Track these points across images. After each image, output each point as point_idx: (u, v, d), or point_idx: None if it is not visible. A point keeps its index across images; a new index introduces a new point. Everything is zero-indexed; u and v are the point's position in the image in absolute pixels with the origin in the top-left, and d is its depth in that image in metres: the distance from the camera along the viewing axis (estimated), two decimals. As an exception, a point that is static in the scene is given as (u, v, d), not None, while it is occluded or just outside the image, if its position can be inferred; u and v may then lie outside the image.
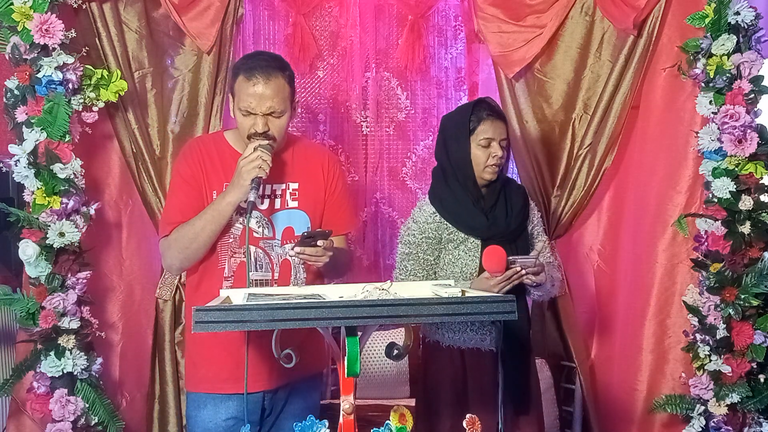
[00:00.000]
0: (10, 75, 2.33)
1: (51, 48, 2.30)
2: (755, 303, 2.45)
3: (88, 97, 2.42)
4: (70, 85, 2.34)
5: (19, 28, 2.28)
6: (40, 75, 2.29)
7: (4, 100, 2.34)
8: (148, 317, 2.67)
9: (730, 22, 2.43)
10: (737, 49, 2.45)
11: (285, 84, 2.03)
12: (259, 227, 2.09)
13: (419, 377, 2.36)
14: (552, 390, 3.02)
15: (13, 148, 2.30)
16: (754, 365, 2.48)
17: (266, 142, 2.00)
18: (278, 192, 2.13)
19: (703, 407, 2.53)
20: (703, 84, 2.51)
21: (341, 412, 1.48)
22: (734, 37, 2.44)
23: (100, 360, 2.39)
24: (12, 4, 2.27)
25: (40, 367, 2.30)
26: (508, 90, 2.92)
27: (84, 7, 2.49)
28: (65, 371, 2.30)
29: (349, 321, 1.37)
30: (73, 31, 2.35)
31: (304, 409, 2.13)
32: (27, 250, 2.27)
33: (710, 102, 2.48)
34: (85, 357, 2.33)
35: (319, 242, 1.94)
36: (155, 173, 2.62)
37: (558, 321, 3.03)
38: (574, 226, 2.97)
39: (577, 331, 3.03)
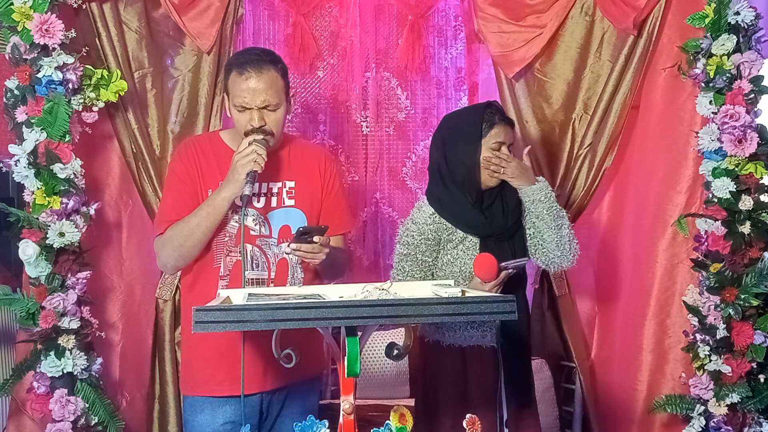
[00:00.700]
0: (10, 75, 2.33)
1: (51, 48, 2.30)
2: (755, 303, 2.45)
3: (88, 97, 2.42)
4: (70, 85, 2.34)
5: (19, 28, 2.28)
6: (40, 75, 2.29)
7: (4, 100, 2.34)
8: (148, 317, 2.67)
9: (730, 22, 2.43)
10: (737, 49, 2.45)
11: (278, 77, 2.02)
12: (255, 225, 2.08)
13: (419, 377, 2.36)
14: (552, 390, 3.02)
15: (13, 148, 2.30)
16: (754, 365, 2.48)
17: (261, 136, 1.98)
18: (275, 190, 2.12)
19: (703, 407, 2.53)
20: (703, 84, 2.51)
21: (341, 412, 1.48)
22: (734, 37, 2.44)
23: (100, 360, 2.39)
24: (12, 4, 2.27)
25: (40, 367, 2.30)
26: (508, 90, 2.92)
27: (84, 7, 2.49)
28: (65, 371, 2.30)
29: (349, 321, 1.37)
30: (73, 31, 2.35)
31: (303, 413, 2.09)
32: (27, 250, 2.27)
33: (710, 102, 2.49)
34: (85, 357, 2.33)
35: (315, 238, 1.93)
36: (155, 173, 2.62)
37: (558, 321, 3.03)
38: (574, 225, 2.96)
39: (577, 331, 3.03)
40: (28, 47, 2.30)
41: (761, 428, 2.52)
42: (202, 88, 2.67)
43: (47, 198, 2.29)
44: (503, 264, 2.04)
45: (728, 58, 2.45)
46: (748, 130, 2.45)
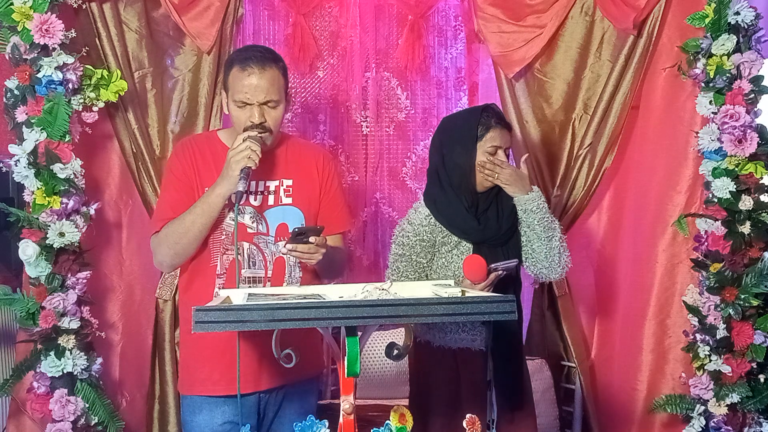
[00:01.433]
0: (10, 75, 2.33)
1: (51, 48, 2.30)
2: (755, 303, 2.46)
3: (88, 97, 2.42)
4: (70, 85, 2.34)
5: (19, 28, 2.28)
6: (40, 75, 2.29)
7: (4, 100, 2.34)
8: (148, 317, 2.67)
9: (730, 22, 2.43)
10: (737, 49, 2.45)
11: (279, 75, 2.03)
12: (252, 222, 2.06)
13: (411, 378, 2.36)
14: (552, 390, 3.02)
15: (13, 148, 2.30)
16: (754, 365, 2.48)
17: (255, 132, 1.97)
18: (272, 188, 2.11)
19: (703, 407, 2.53)
20: (703, 84, 2.52)
21: (341, 412, 1.48)
22: (734, 37, 2.44)
23: (100, 360, 2.39)
24: (12, 4, 2.27)
25: (40, 367, 2.30)
26: (508, 90, 2.92)
27: (84, 7, 2.49)
28: (65, 371, 2.30)
29: (349, 321, 1.37)
30: (73, 31, 2.35)
31: (301, 414, 2.09)
32: (27, 250, 2.27)
33: (710, 102, 2.49)
34: (85, 357, 2.33)
35: (311, 239, 1.92)
36: (155, 173, 2.62)
37: (558, 321, 3.03)
38: (574, 226, 2.97)
39: (577, 331, 3.03)
40: (28, 47, 2.30)
41: (761, 428, 2.52)
42: (202, 88, 2.67)
43: (47, 198, 2.29)
44: (492, 266, 2.04)
45: (728, 58, 2.45)
46: (748, 130, 2.45)
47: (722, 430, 2.50)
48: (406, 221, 2.24)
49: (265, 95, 1.99)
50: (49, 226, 2.28)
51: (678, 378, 2.62)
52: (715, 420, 2.51)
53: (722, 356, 2.49)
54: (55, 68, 2.30)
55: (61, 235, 2.29)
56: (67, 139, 2.33)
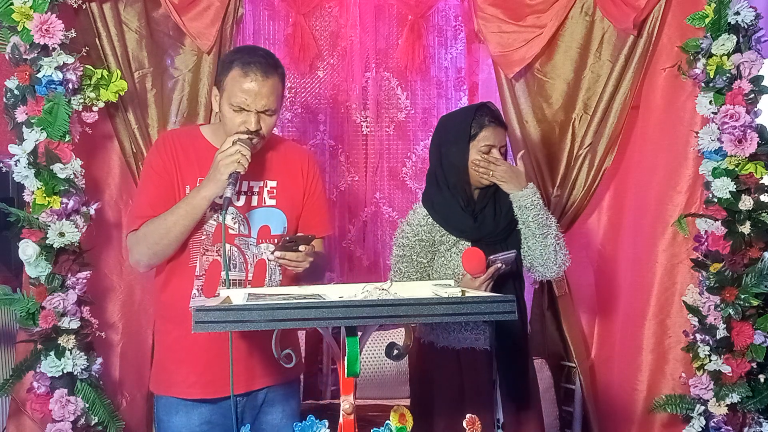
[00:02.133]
0: (10, 75, 2.33)
1: (51, 48, 2.30)
2: (755, 303, 2.46)
3: (88, 97, 2.42)
4: (70, 85, 2.34)
5: (19, 28, 2.29)
6: (40, 75, 2.29)
7: (4, 100, 2.34)
8: (148, 317, 2.67)
9: (730, 22, 2.43)
10: (737, 49, 2.45)
11: (279, 83, 1.99)
12: (234, 224, 2.00)
13: (414, 378, 2.35)
14: (552, 390, 3.02)
15: (13, 148, 2.30)
16: (754, 365, 2.48)
17: (246, 136, 1.92)
18: (255, 189, 2.05)
19: (703, 407, 2.53)
20: (703, 84, 2.52)
21: (341, 412, 1.48)
22: (734, 37, 2.44)
23: (100, 360, 2.39)
24: (12, 4, 2.27)
25: (40, 367, 2.30)
26: (508, 90, 2.92)
27: (84, 7, 2.49)
28: (65, 371, 2.30)
29: (349, 321, 1.37)
30: (73, 31, 2.35)
31: (282, 418, 2.08)
32: (27, 250, 2.27)
33: (710, 102, 2.49)
34: (85, 357, 2.34)
35: (301, 247, 1.89)
36: (155, 173, 2.61)
37: (558, 321, 3.03)
38: (574, 226, 2.97)
39: (577, 331, 3.03)
40: (28, 47, 2.30)
41: (761, 428, 2.52)
42: (202, 88, 2.67)
43: (47, 198, 2.29)
44: (491, 258, 2.03)
45: (728, 58, 2.45)
46: (748, 130, 2.45)
47: (722, 430, 2.50)
48: (405, 222, 2.26)
49: (265, 103, 1.94)
50: (49, 226, 2.28)
51: (678, 378, 2.62)
52: (715, 420, 2.51)
53: (722, 356, 2.49)
54: (55, 68, 2.30)
55: (61, 235, 2.29)
56: (67, 139, 2.33)
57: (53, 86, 2.30)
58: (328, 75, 3.26)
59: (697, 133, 2.52)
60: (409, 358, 2.78)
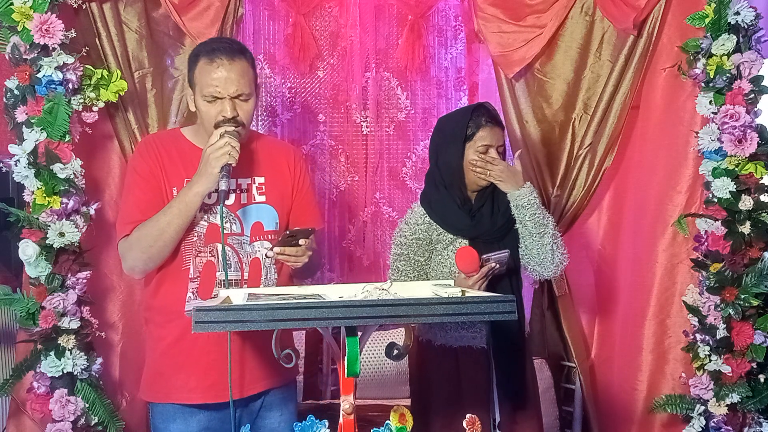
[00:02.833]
0: (10, 75, 2.33)
1: (51, 48, 2.30)
2: (755, 303, 2.45)
3: (88, 97, 2.42)
4: (70, 85, 2.34)
5: (19, 28, 2.28)
6: (40, 75, 2.29)
7: (4, 100, 2.34)
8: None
9: (730, 22, 2.43)
10: (737, 49, 2.45)
11: (249, 66, 1.94)
12: (226, 223, 1.96)
13: (414, 376, 2.36)
14: (552, 390, 3.02)
15: (13, 148, 2.30)
16: (754, 365, 2.48)
17: (232, 128, 1.88)
18: (244, 186, 2.02)
19: (703, 407, 2.53)
20: (703, 84, 2.52)
21: (341, 412, 1.48)
22: (734, 37, 2.44)
23: (100, 360, 2.39)
24: (12, 4, 2.27)
25: (40, 367, 2.30)
26: (508, 90, 2.92)
27: (84, 7, 2.49)
28: (65, 371, 2.30)
29: (349, 321, 1.37)
30: (73, 31, 2.35)
31: (281, 422, 2.07)
32: (27, 250, 2.27)
33: (710, 102, 2.49)
34: (85, 357, 2.33)
35: (301, 241, 1.87)
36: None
37: (558, 321, 3.03)
38: (574, 226, 2.97)
39: (577, 331, 3.03)
40: (28, 47, 2.30)
41: (761, 428, 2.52)
42: (202, 88, 2.67)
43: (47, 198, 2.29)
44: (485, 256, 2.04)
45: (728, 58, 2.45)
46: (748, 130, 2.45)
47: (722, 430, 2.50)
48: (403, 221, 2.28)
49: (237, 88, 1.90)
50: (49, 226, 2.28)
51: (678, 378, 2.62)
52: (715, 420, 2.51)
53: (722, 356, 2.49)
54: (55, 68, 2.30)
55: (61, 235, 2.29)
56: (67, 139, 2.33)
57: (53, 86, 2.30)
58: (328, 75, 3.26)
59: (697, 133, 2.52)
60: (409, 357, 2.79)
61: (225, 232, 1.94)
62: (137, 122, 2.60)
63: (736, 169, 2.47)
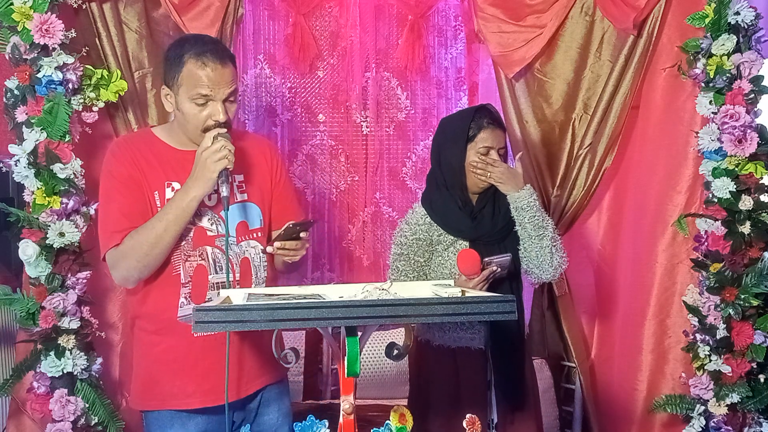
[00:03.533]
0: (10, 75, 2.33)
1: (51, 48, 2.30)
2: (755, 303, 2.45)
3: (88, 97, 2.42)
4: (70, 85, 2.34)
5: (19, 28, 2.28)
6: (40, 75, 2.29)
7: (4, 100, 2.34)
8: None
9: (730, 22, 2.43)
10: (737, 49, 2.45)
11: (234, 67, 1.91)
12: (212, 225, 1.92)
13: (412, 375, 2.36)
14: (552, 390, 3.02)
15: (13, 148, 2.30)
16: (754, 365, 2.48)
17: (224, 130, 1.85)
18: None
19: (703, 407, 2.53)
20: (703, 84, 2.52)
21: (341, 412, 1.47)
22: (734, 37, 2.44)
23: (100, 360, 2.39)
24: (12, 4, 2.27)
25: (40, 367, 2.30)
26: (508, 90, 2.92)
27: (84, 7, 2.49)
28: (65, 371, 2.30)
29: (349, 321, 1.37)
30: (73, 31, 2.35)
31: (279, 417, 2.06)
32: (27, 250, 2.27)
33: (710, 102, 2.49)
34: (85, 357, 2.34)
35: (302, 234, 1.85)
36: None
37: (558, 321, 3.03)
38: (574, 226, 2.97)
39: (577, 331, 3.03)
40: (28, 47, 2.30)
41: (761, 428, 2.52)
42: (202, 88, 2.67)
43: (47, 198, 2.29)
44: (486, 259, 2.04)
45: (728, 58, 2.45)
46: (748, 130, 2.45)
47: (722, 430, 2.50)
48: (404, 222, 2.28)
49: (228, 90, 1.87)
50: (49, 226, 2.28)
51: (678, 378, 2.62)
52: (715, 420, 2.51)
53: (722, 356, 2.49)
54: (55, 68, 2.30)
55: (61, 235, 2.29)
56: (67, 139, 2.33)
57: (53, 86, 2.30)
58: (328, 75, 3.26)
59: (697, 133, 2.52)
60: (409, 357, 2.78)
61: (211, 234, 1.92)
62: (137, 122, 2.60)
63: (736, 169, 2.47)
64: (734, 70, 2.45)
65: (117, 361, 2.59)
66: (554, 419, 3.02)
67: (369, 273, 3.30)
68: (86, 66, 2.42)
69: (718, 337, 2.49)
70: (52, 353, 2.29)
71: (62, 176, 2.30)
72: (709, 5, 2.45)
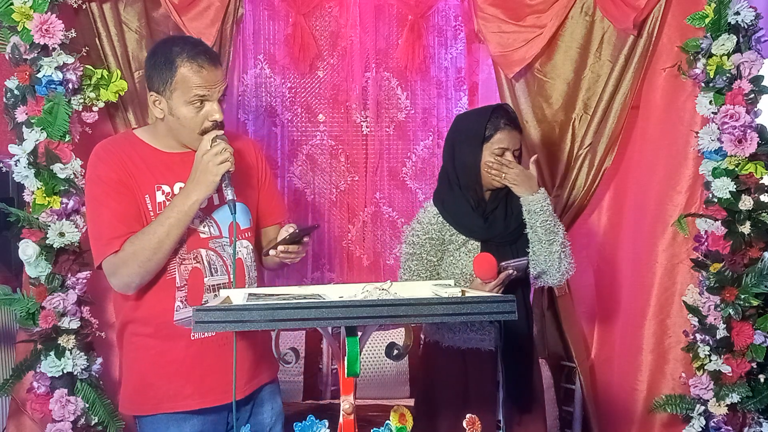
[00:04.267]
0: (10, 75, 2.33)
1: (51, 48, 2.30)
2: (755, 303, 2.46)
3: (88, 97, 2.43)
4: (70, 85, 2.35)
5: (19, 28, 2.29)
6: (40, 75, 2.29)
7: (4, 100, 2.34)
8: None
9: (730, 22, 2.43)
10: (737, 49, 2.45)
11: (221, 64, 1.92)
12: (204, 227, 1.90)
13: (419, 377, 2.35)
14: (552, 390, 3.02)
15: (13, 148, 2.31)
16: (754, 365, 2.48)
17: (221, 131, 1.83)
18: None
19: (703, 407, 2.53)
20: (703, 84, 2.52)
21: (341, 412, 1.48)
22: (734, 37, 2.44)
23: (100, 360, 2.39)
24: (12, 4, 2.27)
25: (40, 367, 2.31)
26: (508, 90, 2.92)
27: (84, 7, 2.49)
28: (65, 371, 2.30)
29: (349, 321, 1.37)
30: (73, 31, 2.36)
31: (272, 416, 2.07)
32: (27, 250, 2.27)
33: (710, 102, 2.49)
34: (85, 357, 2.34)
35: (305, 239, 1.85)
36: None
37: (558, 321, 3.03)
38: (574, 226, 2.97)
39: (577, 331, 3.03)
40: (28, 47, 2.30)
41: (761, 428, 2.52)
42: (202, 88, 2.67)
43: (47, 198, 2.29)
44: (503, 264, 2.03)
45: (728, 58, 2.45)
46: (748, 130, 2.45)
47: (722, 430, 2.50)
48: (415, 221, 2.25)
49: (222, 89, 1.86)
50: (49, 226, 2.28)
51: (678, 378, 2.62)
52: (715, 420, 2.51)
53: (722, 356, 2.50)
54: (55, 68, 2.30)
55: (61, 235, 2.29)
56: (67, 139, 2.33)
57: (53, 86, 2.31)
58: (328, 75, 3.26)
59: (697, 133, 2.52)
60: (409, 357, 2.78)
61: (204, 236, 1.91)
62: (137, 122, 2.60)
63: (736, 169, 2.47)
64: (734, 70, 2.45)
65: (117, 361, 2.57)
66: (554, 419, 3.02)
67: (369, 273, 3.29)
68: (86, 66, 2.42)
69: (718, 337, 2.49)
70: (52, 353, 2.29)
71: (62, 176, 2.30)
72: (709, 5, 2.46)
